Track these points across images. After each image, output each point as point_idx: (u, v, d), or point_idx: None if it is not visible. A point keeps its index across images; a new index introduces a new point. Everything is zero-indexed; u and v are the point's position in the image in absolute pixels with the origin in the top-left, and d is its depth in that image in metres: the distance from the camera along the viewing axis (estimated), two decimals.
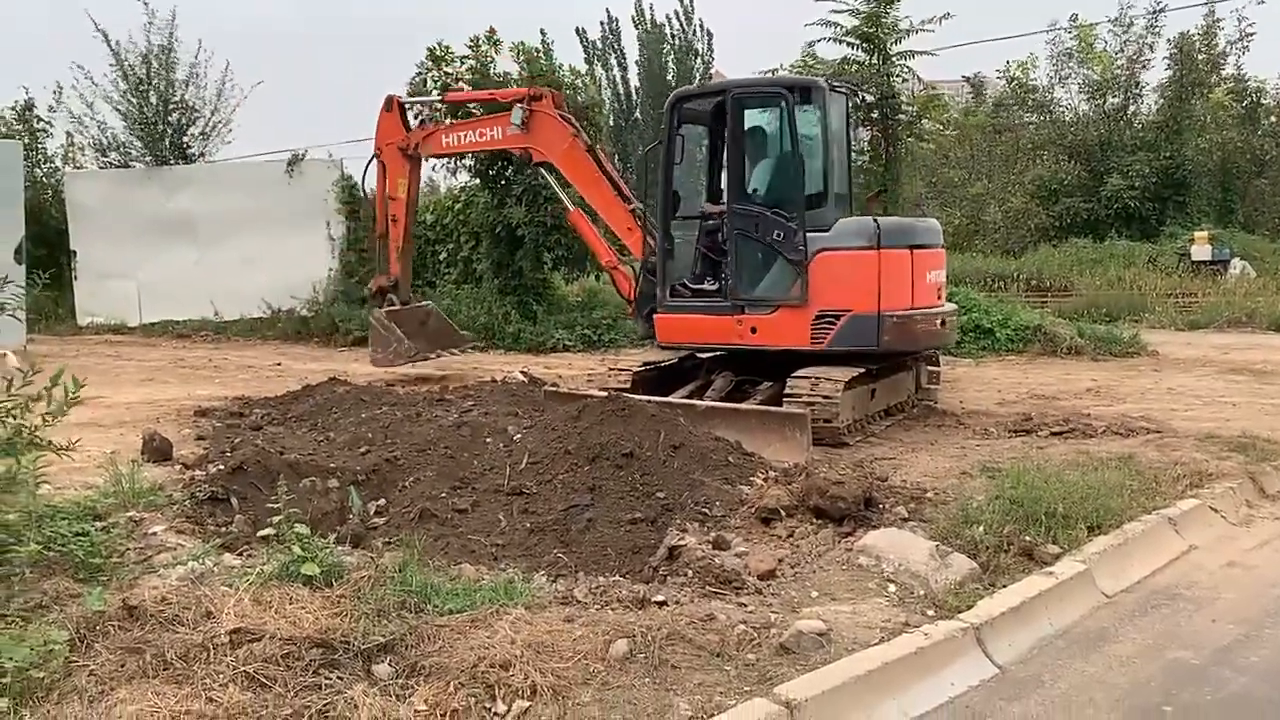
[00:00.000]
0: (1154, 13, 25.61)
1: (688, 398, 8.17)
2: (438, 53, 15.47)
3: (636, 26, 37.44)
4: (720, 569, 4.56)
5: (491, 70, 15.49)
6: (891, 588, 4.52)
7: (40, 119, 20.24)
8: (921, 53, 17.74)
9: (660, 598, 4.29)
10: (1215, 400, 9.67)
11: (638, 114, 37.59)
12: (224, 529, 5.30)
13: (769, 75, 16.88)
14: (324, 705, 3.19)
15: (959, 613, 4.24)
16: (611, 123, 33.45)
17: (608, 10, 38.16)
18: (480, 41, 15.76)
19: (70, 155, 20.65)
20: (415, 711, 3.20)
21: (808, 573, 4.69)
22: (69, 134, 20.43)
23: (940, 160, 27.73)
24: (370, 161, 11.44)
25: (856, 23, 17.42)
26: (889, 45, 17.40)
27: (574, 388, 9.24)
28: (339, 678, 3.35)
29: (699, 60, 38.02)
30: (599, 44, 37.33)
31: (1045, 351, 13.10)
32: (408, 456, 6.29)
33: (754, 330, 8.24)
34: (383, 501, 5.81)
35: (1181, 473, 6.50)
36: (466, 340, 12.64)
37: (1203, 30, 26.42)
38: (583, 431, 5.99)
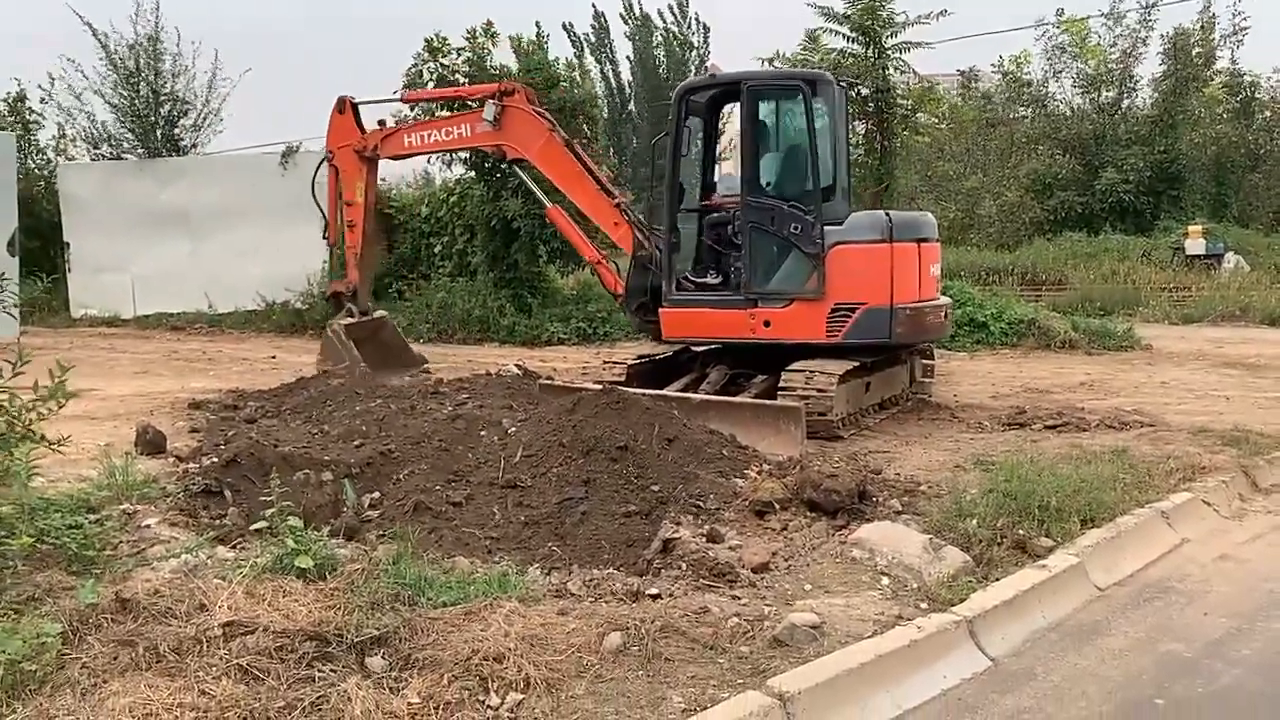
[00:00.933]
0: (1147, 7, 25.65)
1: (682, 391, 8.17)
2: (434, 44, 15.43)
3: (626, 23, 37.39)
4: (714, 562, 4.58)
5: (488, 63, 15.45)
6: (885, 581, 4.53)
7: (33, 110, 20.16)
8: (917, 44, 17.72)
9: (654, 590, 4.31)
10: (1208, 394, 9.70)
11: (631, 107, 37.56)
12: (218, 522, 5.29)
13: (766, 67, 16.86)
14: (317, 698, 3.19)
15: (952, 605, 4.25)
16: (606, 115, 33.40)
17: (594, 6, 38.08)
18: (477, 34, 15.73)
19: (62, 147, 20.55)
20: (408, 704, 3.20)
21: (801, 565, 4.70)
22: (60, 125, 20.37)
23: (935, 154, 27.72)
24: (320, 165, 10.99)
25: (851, 14, 17.39)
26: (884, 38, 17.36)
27: (569, 381, 9.23)
28: (332, 670, 3.35)
29: (694, 53, 37.96)
30: (591, 37, 37.26)
31: (1039, 345, 13.14)
32: (402, 449, 6.28)
33: (767, 324, 8.21)
34: (377, 494, 5.80)
35: (1174, 466, 6.52)
36: (418, 363, 11.56)
37: (1197, 24, 26.46)
38: (577, 424, 5.99)
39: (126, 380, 10.89)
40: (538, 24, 17.89)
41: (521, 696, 3.30)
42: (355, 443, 6.62)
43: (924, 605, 4.28)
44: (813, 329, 8.06)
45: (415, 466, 6.02)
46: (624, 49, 37.55)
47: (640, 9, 37.34)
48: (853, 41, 17.16)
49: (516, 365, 10.99)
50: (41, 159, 20.34)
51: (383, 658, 3.47)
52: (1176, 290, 18.58)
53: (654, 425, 5.98)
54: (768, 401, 7.64)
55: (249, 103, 39.41)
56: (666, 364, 9.11)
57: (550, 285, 16.60)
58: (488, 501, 5.54)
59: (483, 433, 6.48)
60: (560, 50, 27.53)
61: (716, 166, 9.15)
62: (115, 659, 3.32)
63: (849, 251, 8.00)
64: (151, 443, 7.01)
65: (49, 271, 14.52)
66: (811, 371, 7.71)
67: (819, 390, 7.58)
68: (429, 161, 17.97)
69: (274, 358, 13.28)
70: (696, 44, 37.87)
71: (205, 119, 20.24)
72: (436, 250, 17.47)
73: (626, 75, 37.70)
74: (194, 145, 20.33)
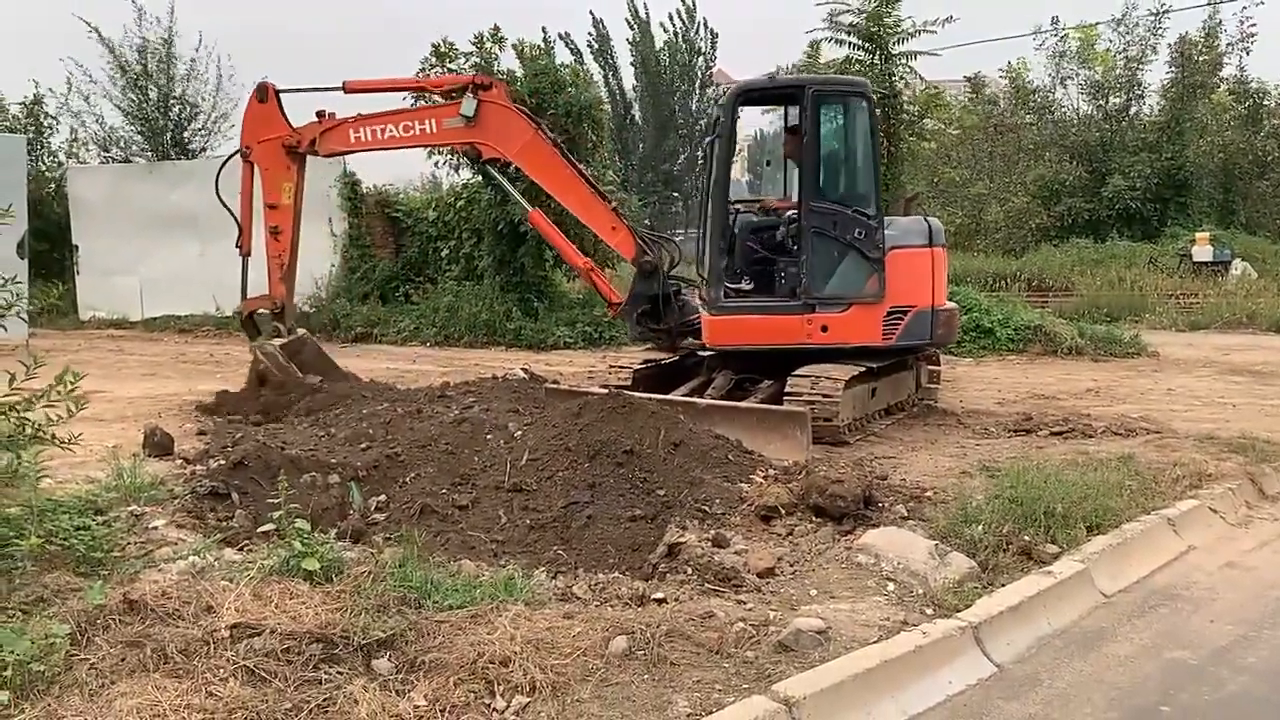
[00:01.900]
0: (1157, 14, 25.62)
1: (688, 395, 8.16)
2: (442, 49, 15.48)
3: (631, 28, 37.33)
4: (719, 567, 4.58)
5: (495, 67, 15.50)
6: (890, 586, 4.53)
7: (48, 114, 20.27)
8: (924, 53, 17.74)
9: (659, 595, 4.31)
10: (1215, 401, 9.68)
11: (635, 112, 37.54)
12: (225, 524, 5.31)
13: (771, 74, 16.87)
14: (324, 700, 3.20)
15: (957, 611, 4.25)
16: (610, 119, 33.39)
17: (592, 13, 38.06)
18: (485, 39, 15.78)
19: (74, 150, 20.69)
20: (415, 706, 3.21)
21: (807, 571, 4.70)
22: (72, 129, 20.49)
23: (942, 160, 27.70)
24: (228, 160, 9.74)
25: (858, 21, 17.41)
26: (891, 45, 17.39)
27: (575, 385, 9.23)
28: (339, 673, 3.36)
29: (701, 59, 37.91)
30: (593, 43, 37.20)
31: (1045, 351, 13.10)
32: (408, 452, 6.29)
33: (824, 329, 8.19)
34: (383, 497, 5.81)
35: (1181, 473, 6.50)
36: (350, 381, 9.71)
37: (1204, 31, 26.40)
38: (583, 428, 5.99)
39: (134, 382, 10.94)
40: (544, 29, 17.94)
41: (527, 700, 3.31)
42: (362, 446, 6.64)
43: (929, 611, 4.28)
44: (870, 332, 8.17)
45: (421, 470, 6.03)
46: (625, 55, 37.53)
47: (645, 13, 37.32)
48: (858, 49, 17.19)
49: (523, 369, 11.00)
50: (53, 161, 20.47)
51: (389, 660, 3.48)
52: (1183, 297, 18.54)
53: (660, 430, 5.98)
54: (774, 407, 7.63)
55: None
56: (672, 368, 9.10)
57: (556, 289, 16.63)
58: (493, 505, 5.55)
59: (489, 436, 6.49)
60: (562, 59, 27.59)
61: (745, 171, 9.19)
62: (123, 660, 3.33)
63: (902, 256, 8.18)
64: (159, 445, 7.05)
65: (58, 274, 14.62)
66: (817, 377, 7.71)
67: (825, 395, 7.58)
68: (436, 165, 17.95)
69: None
70: (704, 49, 37.80)
71: (214, 123, 20.35)
72: (444, 254, 17.50)
73: (630, 81, 37.70)
74: (203, 148, 20.43)
